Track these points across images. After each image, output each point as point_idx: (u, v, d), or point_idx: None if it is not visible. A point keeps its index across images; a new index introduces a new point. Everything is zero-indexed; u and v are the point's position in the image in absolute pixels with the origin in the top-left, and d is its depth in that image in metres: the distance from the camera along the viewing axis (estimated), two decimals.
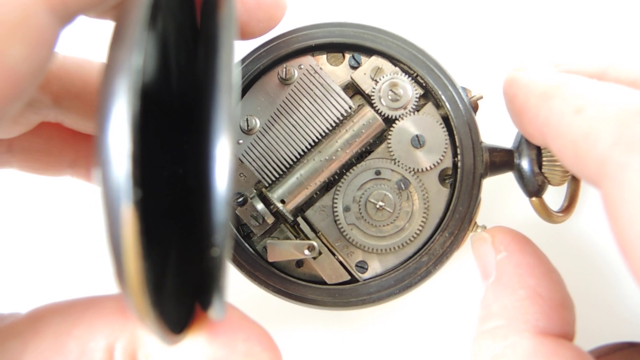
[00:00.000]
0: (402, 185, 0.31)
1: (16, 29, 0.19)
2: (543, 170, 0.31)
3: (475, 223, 0.32)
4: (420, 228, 0.32)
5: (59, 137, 0.34)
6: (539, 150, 0.31)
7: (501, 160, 0.32)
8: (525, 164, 0.32)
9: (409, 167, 0.32)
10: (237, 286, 0.32)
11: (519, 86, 0.27)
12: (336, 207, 0.32)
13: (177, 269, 0.27)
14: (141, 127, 0.20)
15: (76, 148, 0.34)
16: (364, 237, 0.32)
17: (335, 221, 0.32)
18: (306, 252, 0.31)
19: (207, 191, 0.21)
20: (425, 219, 0.32)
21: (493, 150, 0.32)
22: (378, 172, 0.32)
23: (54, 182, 0.41)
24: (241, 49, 0.32)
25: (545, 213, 0.33)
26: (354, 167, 0.32)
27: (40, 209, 0.42)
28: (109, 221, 0.18)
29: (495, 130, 0.33)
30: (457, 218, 0.31)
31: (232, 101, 0.20)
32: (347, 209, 0.32)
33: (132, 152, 0.18)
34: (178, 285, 0.27)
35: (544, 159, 0.31)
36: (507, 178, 0.33)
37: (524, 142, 0.32)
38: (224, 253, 0.21)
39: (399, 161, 0.32)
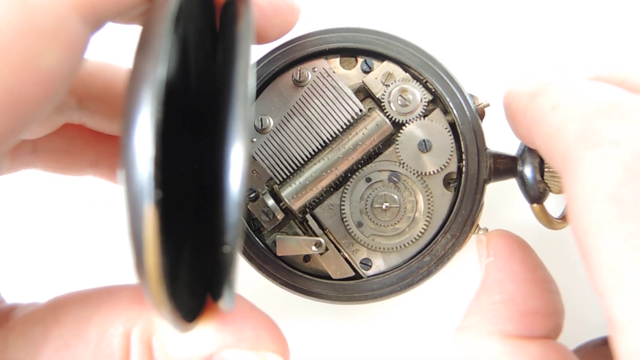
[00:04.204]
0: (394, 179, 0.33)
1: (52, 36, 0.21)
2: (544, 178, 0.32)
3: (478, 226, 0.33)
4: (424, 229, 0.33)
5: (81, 138, 0.35)
6: (541, 158, 0.33)
7: (505, 167, 0.33)
8: (527, 171, 0.33)
9: (416, 171, 0.33)
10: (246, 278, 0.33)
11: (513, 93, 0.29)
12: (344, 207, 0.33)
13: (191, 260, 0.29)
14: (163, 130, 0.21)
15: (98, 148, 0.35)
16: (386, 239, 0.33)
17: (351, 234, 0.33)
18: (313, 248, 0.33)
19: (221, 193, 0.22)
20: (428, 220, 0.33)
21: (497, 157, 0.33)
22: (368, 179, 0.33)
23: (66, 183, 0.43)
24: (257, 51, 0.33)
25: (546, 219, 0.34)
26: (349, 182, 0.33)
27: (52, 208, 0.44)
28: (131, 219, 0.20)
29: (501, 137, 0.34)
30: (460, 221, 0.33)
31: (248, 112, 0.21)
32: (360, 225, 0.33)
33: (154, 156, 0.19)
34: (191, 276, 0.28)
35: (545, 167, 0.32)
36: (514, 183, 0.34)
37: (527, 150, 0.33)
38: (235, 250, 0.22)
39: (405, 164, 0.33)
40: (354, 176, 0.33)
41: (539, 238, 0.32)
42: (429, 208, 0.33)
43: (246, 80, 0.21)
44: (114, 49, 0.35)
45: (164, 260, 0.21)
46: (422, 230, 0.33)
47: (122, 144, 0.20)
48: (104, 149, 0.35)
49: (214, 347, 0.27)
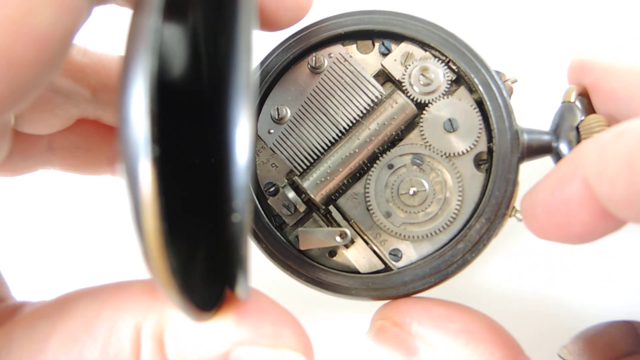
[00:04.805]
0: (418, 161, 0.31)
1: None
2: None
3: (514, 208, 0.31)
4: (457, 209, 0.31)
5: (97, 134, 0.35)
6: (577, 131, 0.30)
7: (538, 144, 0.31)
8: (563, 147, 0.30)
9: (443, 152, 0.31)
10: (267, 277, 0.32)
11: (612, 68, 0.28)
12: (368, 198, 0.31)
13: (210, 257, 0.27)
14: (167, 99, 0.20)
15: (114, 144, 0.35)
16: (419, 227, 0.31)
17: (380, 226, 0.31)
18: (338, 239, 0.31)
19: (227, 159, 0.21)
20: (460, 204, 0.31)
21: (529, 134, 0.31)
22: (391, 166, 0.31)
23: (73, 184, 0.42)
24: (271, 40, 0.32)
25: None
26: (371, 171, 0.31)
27: (63, 209, 0.43)
28: (128, 178, 0.18)
29: (532, 114, 0.32)
30: (494, 203, 0.30)
31: (250, 62, 0.20)
32: (388, 215, 0.31)
33: (149, 108, 0.18)
34: (209, 271, 0.27)
35: (582, 140, 0.30)
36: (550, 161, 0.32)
37: (562, 125, 0.31)
38: (244, 218, 0.20)
39: (431, 146, 0.31)
40: (375, 164, 0.31)
41: None
42: (459, 190, 0.31)
43: (249, 28, 0.20)
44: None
45: (165, 227, 0.19)
46: (456, 211, 0.31)
47: (117, 99, 0.19)
48: None
49: (229, 343, 0.25)
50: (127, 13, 0.26)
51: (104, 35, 0.33)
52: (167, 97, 0.27)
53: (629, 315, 0.29)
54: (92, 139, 0.34)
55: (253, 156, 0.26)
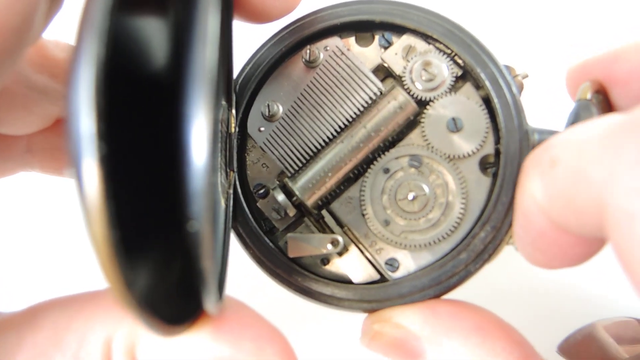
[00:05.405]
0: (416, 163, 0.28)
1: None
2: None
3: None
4: (459, 220, 0.28)
5: None
6: None
7: None
8: None
9: (445, 154, 0.28)
10: (255, 286, 0.30)
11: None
12: (364, 205, 0.29)
13: (189, 267, 0.25)
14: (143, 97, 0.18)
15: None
16: (420, 234, 0.29)
17: (378, 235, 0.29)
18: (329, 246, 0.28)
19: (182, 159, 0.18)
20: (463, 210, 0.28)
21: (541, 134, 0.28)
22: (386, 170, 0.29)
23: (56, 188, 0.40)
24: (262, 33, 0.30)
25: None
26: (366, 175, 0.29)
27: (45, 215, 0.42)
28: (74, 179, 0.17)
29: (543, 112, 0.30)
30: (501, 210, 0.28)
31: (209, 46, 0.18)
32: (387, 223, 0.29)
33: (95, 99, 0.16)
34: (187, 283, 0.25)
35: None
36: None
37: (576, 123, 0.28)
38: (203, 227, 0.18)
39: (433, 147, 0.29)
40: (370, 168, 0.29)
41: None
42: (462, 195, 0.28)
43: (206, 16, 0.18)
44: None
45: (117, 235, 0.17)
46: (460, 217, 0.28)
47: (64, 94, 0.17)
48: None
49: (206, 359, 0.23)
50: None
51: None
52: (143, 95, 0.25)
53: None
54: None
55: (212, 155, 0.24)
